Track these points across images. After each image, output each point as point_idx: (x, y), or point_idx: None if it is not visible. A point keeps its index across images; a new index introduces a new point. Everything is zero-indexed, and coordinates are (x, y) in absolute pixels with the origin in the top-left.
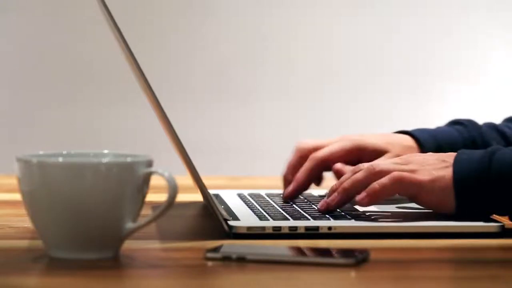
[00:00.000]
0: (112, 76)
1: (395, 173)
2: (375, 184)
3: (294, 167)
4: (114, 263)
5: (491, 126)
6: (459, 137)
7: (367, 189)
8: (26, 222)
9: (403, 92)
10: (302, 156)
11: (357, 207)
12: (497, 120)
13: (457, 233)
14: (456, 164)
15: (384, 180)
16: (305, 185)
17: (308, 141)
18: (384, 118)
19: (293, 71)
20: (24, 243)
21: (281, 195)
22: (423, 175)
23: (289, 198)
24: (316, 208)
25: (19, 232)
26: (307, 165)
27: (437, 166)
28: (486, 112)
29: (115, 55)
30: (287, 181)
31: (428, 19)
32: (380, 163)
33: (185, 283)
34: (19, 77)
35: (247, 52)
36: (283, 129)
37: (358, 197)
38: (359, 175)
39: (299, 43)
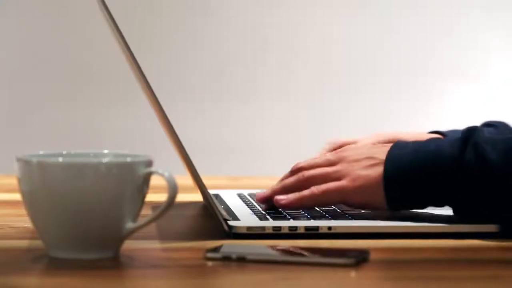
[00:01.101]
0: (112, 76)
1: (314, 190)
2: (298, 195)
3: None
4: (114, 263)
5: None
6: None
7: (291, 195)
8: (26, 222)
9: (403, 92)
10: (333, 149)
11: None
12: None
13: (457, 233)
14: (387, 161)
15: (309, 197)
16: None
17: (339, 138)
18: (384, 118)
19: (293, 71)
20: (24, 243)
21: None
22: (348, 180)
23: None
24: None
25: (19, 232)
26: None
27: (365, 164)
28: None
29: (115, 55)
30: None
31: (428, 19)
32: (310, 169)
33: (185, 283)
34: (19, 77)
35: (247, 52)
36: (283, 129)
37: (278, 197)
38: (289, 180)
39: (299, 43)
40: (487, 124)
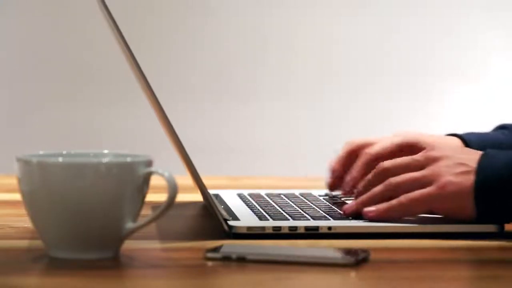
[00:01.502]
0: (112, 76)
1: (404, 199)
2: (386, 206)
3: (343, 160)
4: (114, 263)
5: None
6: (505, 141)
7: (380, 206)
8: (26, 222)
9: (403, 92)
10: (352, 151)
11: None
12: (498, 120)
13: (457, 233)
14: (478, 171)
15: (395, 203)
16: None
17: (358, 138)
18: (384, 118)
19: (293, 71)
20: (24, 243)
21: (327, 186)
22: (436, 186)
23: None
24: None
25: (19, 232)
26: (361, 160)
27: (456, 171)
28: (486, 112)
29: (115, 55)
30: (334, 172)
31: (428, 19)
32: (396, 171)
33: (185, 283)
34: (19, 77)
35: (247, 52)
36: (283, 129)
37: (366, 210)
38: (377, 190)
39: (299, 43)
40: (501, 127)
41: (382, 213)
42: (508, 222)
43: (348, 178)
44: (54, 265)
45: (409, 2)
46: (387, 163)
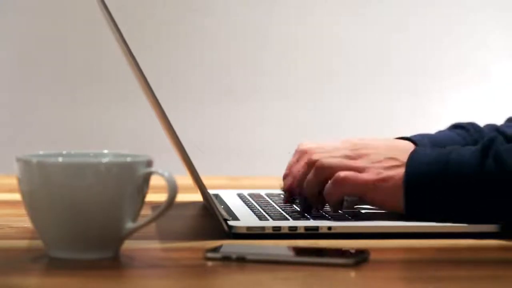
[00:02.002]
0: (112, 76)
1: (338, 175)
2: (325, 193)
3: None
4: (114, 263)
5: (492, 127)
6: (461, 141)
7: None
8: (26, 222)
9: (404, 92)
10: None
11: (357, 207)
12: (498, 120)
13: (457, 233)
14: (409, 165)
15: (329, 185)
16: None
17: (309, 143)
18: (385, 118)
19: (293, 71)
20: (24, 243)
21: (281, 196)
22: (369, 175)
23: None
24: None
25: (19, 232)
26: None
27: (387, 165)
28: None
29: (115, 55)
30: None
31: (428, 19)
32: (330, 157)
33: (185, 283)
34: (19, 77)
35: (247, 52)
36: (283, 129)
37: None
38: (310, 177)
39: (299, 44)
40: (456, 126)
41: (328, 201)
42: (436, 220)
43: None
44: (54, 265)
45: (410, 2)
46: (316, 156)
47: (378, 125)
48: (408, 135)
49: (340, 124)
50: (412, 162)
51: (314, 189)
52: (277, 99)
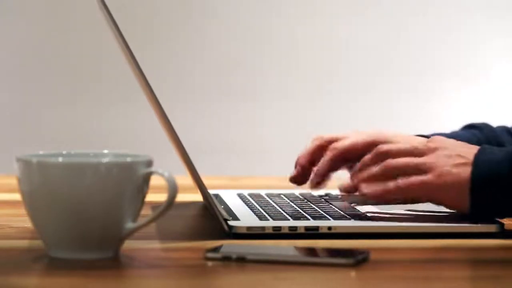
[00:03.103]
0: (112, 76)
1: (401, 182)
2: (383, 187)
3: (310, 154)
4: (114, 263)
5: (504, 129)
6: (475, 141)
7: (377, 187)
8: (26, 222)
9: (404, 92)
10: (320, 145)
11: (357, 207)
12: (498, 120)
13: (457, 233)
14: (476, 164)
15: (392, 186)
16: (326, 176)
17: (326, 134)
18: (385, 118)
19: (293, 71)
20: (24, 243)
21: (289, 177)
22: (434, 174)
23: (311, 188)
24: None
25: (19, 232)
26: (328, 155)
27: (455, 162)
28: (486, 112)
29: (115, 55)
30: (299, 164)
31: (428, 20)
32: (396, 156)
33: (185, 283)
34: (19, 77)
35: (247, 52)
36: (283, 129)
37: (363, 186)
38: (374, 170)
39: (299, 44)
40: (470, 126)
41: (378, 193)
42: (500, 218)
43: (315, 171)
44: (54, 265)
45: (411, 3)
46: (387, 146)
47: (378, 125)
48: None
49: (341, 124)
50: (478, 162)
51: (374, 181)
52: (277, 99)
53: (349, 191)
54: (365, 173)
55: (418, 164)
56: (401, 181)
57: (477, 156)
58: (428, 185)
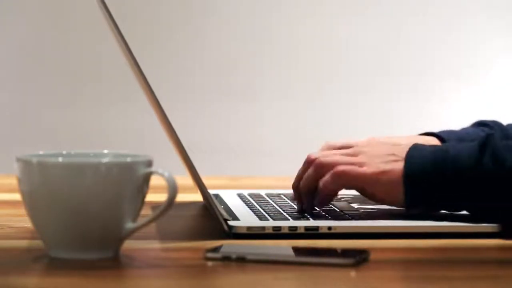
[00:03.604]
0: (112, 76)
1: (337, 168)
2: (321, 184)
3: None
4: (114, 263)
5: None
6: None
7: (319, 192)
8: (26, 222)
9: (404, 92)
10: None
11: (355, 205)
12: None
13: (457, 233)
14: (408, 159)
15: (327, 177)
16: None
17: (337, 141)
18: (386, 118)
19: (293, 71)
20: (24, 243)
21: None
22: (369, 168)
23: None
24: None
25: (19, 232)
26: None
27: (386, 160)
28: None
29: (115, 55)
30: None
31: (429, 20)
32: (328, 156)
33: (185, 283)
34: (19, 77)
35: (247, 52)
36: (283, 129)
37: (315, 202)
38: (309, 172)
39: (299, 44)
40: (480, 123)
41: (322, 198)
42: (436, 211)
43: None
44: (54, 265)
45: (411, 3)
46: (315, 154)
47: (378, 125)
48: (413, 134)
49: (341, 124)
50: (411, 156)
51: (311, 184)
52: (277, 99)
53: (306, 211)
54: (303, 180)
55: (352, 160)
56: (337, 168)
57: (408, 152)
58: (366, 176)
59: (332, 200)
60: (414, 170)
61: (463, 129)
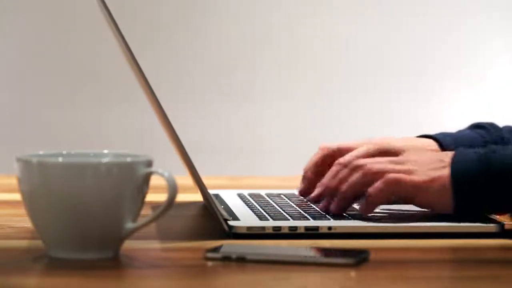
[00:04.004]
0: (112, 76)
1: (389, 176)
2: (371, 190)
3: (316, 165)
4: (114, 263)
5: (510, 129)
6: (481, 141)
7: (366, 199)
8: (26, 222)
9: (404, 92)
10: (326, 155)
11: (356, 205)
12: (499, 120)
13: (457, 233)
14: (454, 164)
15: (379, 185)
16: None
17: (332, 143)
18: (385, 118)
19: (293, 71)
20: (24, 243)
21: (298, 191)
22: (419, 176)
23: (312, 201)
24: (317, 208)
25: (19, 232)
26: (333, 170)
27: (434, 166)
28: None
29: (115, 55)
30: (306, 178)
31: (429, 20)
32: (376, 163)
33: (185, 283)
34: (19, 77)
35: (247, 52)
36: (283, 129)
37: (359, 208)
38: (355, 177)
39: (299, 44)
40: (476, 126)
41: (371, 205)
42: (487, 213)
43: (319, 186)
44: (54, 265)
45: (411, 3)
46: (362, 161)
47: (378, 125)
48: (414, 135)
49: (341, 124)
50: (456, 161)
51: (357, 192)
52: (277, 99)
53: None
54: (347, 184)
55: (400, 169)
56: (390, 175)
57: (455, 157)
58: (417, 185)
59: (376, 208)
60: (461, 174)
61: (459, 131)
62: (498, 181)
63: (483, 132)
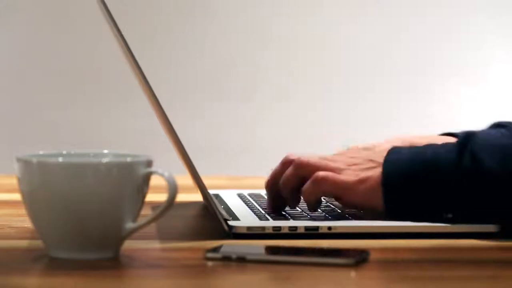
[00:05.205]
0: (112, 76)
1: (317, 174)
2: (303, 189)
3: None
4: (114, 263)
5: None
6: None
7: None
8: (26, 222)
9: (404, 92)
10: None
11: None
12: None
13: (456, 233)
14: (384, 163)
15: (308, 183)
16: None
17: (358, 143)
18: (386, 118)
19: (294, 71)
20: (24, 243)
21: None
22: (347, 176)
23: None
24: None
25: (19, 232)
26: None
27: (364, 167)
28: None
29: (115, 55)
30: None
31: (429, 20)
32: (308, 157)
33: (185, 283)
34: (19, 77)
35: (248, 52)
36: (283, 130)
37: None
38: (289, 171)
39: (300, 43)
40: (498, 125)
41: (304, 196)
42: (416, 218)
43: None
44: (54, 265)
45: (410, 3)
46: (295, 155)
47: (378, 125)
48: (414, 134)
49: (340, 124)
50: (388, 162)
51: (291, 185)
52: (277, 99)
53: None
54: (283, 178)
55: (328, 166)
56: (318, 173)
57: (386, 157)
58: (345, 184)
59: (318, 206)
60: (392, 175)
61: (482, 130)
62: (429, 183)
63: (505, 131)
